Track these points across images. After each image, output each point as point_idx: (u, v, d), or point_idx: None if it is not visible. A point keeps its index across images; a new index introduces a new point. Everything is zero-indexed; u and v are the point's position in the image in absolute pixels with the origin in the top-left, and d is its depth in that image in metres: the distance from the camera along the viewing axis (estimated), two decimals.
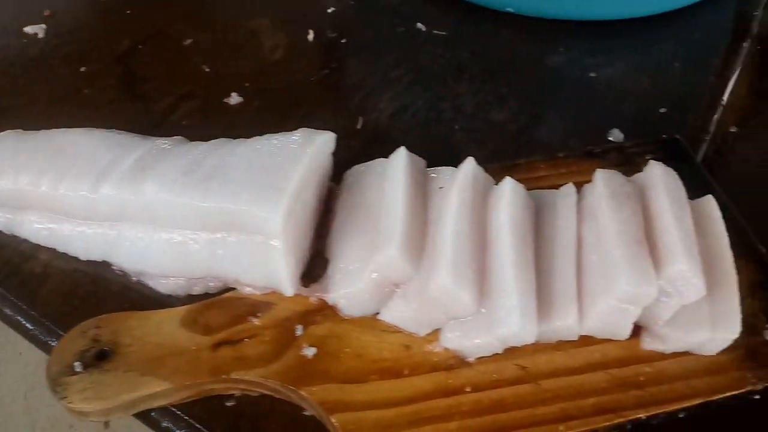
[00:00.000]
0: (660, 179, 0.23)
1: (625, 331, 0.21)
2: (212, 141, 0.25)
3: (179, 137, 0.26)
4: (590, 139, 0.29)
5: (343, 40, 0.34)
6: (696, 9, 0.36)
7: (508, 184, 0.23)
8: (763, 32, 0.36)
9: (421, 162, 0.25)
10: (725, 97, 0.32)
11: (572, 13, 0.35)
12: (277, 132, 0.27)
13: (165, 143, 0.25)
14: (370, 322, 0.23)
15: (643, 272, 0.20)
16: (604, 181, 0.23)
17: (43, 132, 0.27)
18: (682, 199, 0.23)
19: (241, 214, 0.21)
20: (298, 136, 0.24)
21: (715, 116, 0.31)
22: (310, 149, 0.23)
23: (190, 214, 0.22)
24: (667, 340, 0.22)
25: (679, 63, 0.34)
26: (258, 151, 0.23)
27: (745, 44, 0.35)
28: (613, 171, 0.24)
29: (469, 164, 0.23)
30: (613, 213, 0.21)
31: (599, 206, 0.22)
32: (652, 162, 0.24)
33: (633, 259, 0.20)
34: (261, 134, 0.28)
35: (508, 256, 0.21)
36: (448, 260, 0.21)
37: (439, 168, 0.24)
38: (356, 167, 0.25)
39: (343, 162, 0.27)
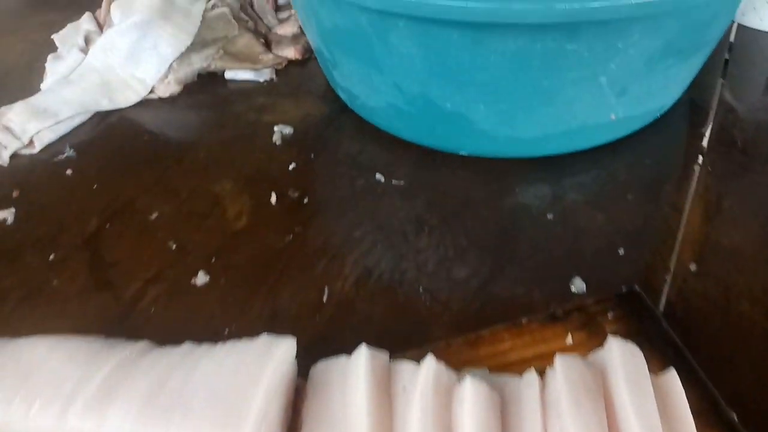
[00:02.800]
0: (619, 361, 0.22)
1: None
2: (177, 349, 0.25)
3: (145, 343, 0.26)
4: (553, 291, 0.29)
5: (305, 200, 0.34)
6: (647, 133, 0.37)
7: (469, 385, 0.22)
8: (713, 149, 0.36)
9: (384, 358, 0.24)
10: (680, 231, 0.32)
11: (524, 152, 0.35)
12: (244, 312, 0.28)
13: (131, 353, 0.25)
14: None
15: None
16: (563, 371, 0.22)
17: (10, 345, 0.26)
18: (644, 382, 0.22)
19: None
20: (259, 347, 0.23)
21: (673, 254, 0.30)
22: (270, 366, 0.22)
23: None
24: None
25: (632, 194, 0.34)
26: (219, 369, 0.23)
27: (697, 165, 0.35)
28: (572, 357, 0.23)
29: (430, 364, 0.23)
30: (573, 410, 0.21)
31: (560, 402, 0.21)
32: (610, 338, 0.24)
33: None
34: (227, 315, 0.28)
35: None
36: None
37: (401, 363, 0.24)
38: (320, 364, 0.25)
39: (311, 345, 0.27)
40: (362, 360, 0.23)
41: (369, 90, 0.35)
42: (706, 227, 0.32)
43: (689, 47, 0.31)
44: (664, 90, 0.34)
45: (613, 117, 0.33)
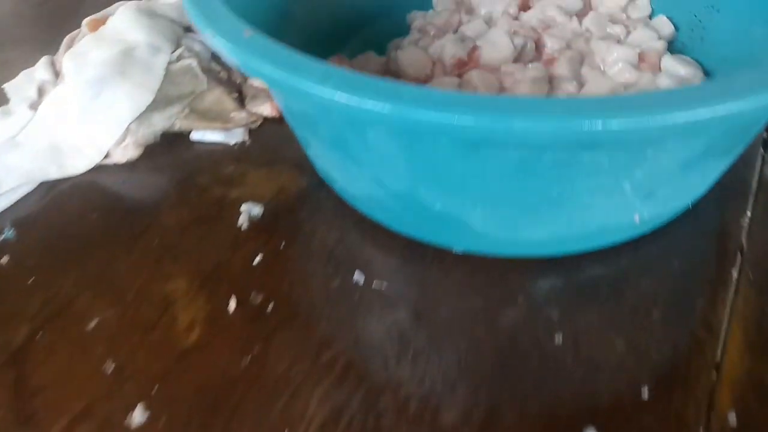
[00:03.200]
0: None
1: None
2: None
3: None
4: None
5: (269, 307, 0.29)
6: (674, 225, 0.31)
7: None
8: (753, 249, 0.30)
9: None
10: (715, 363, 0.26)
11: (530, 252, 0.30)
12: None
13: None
14: None
15: None
16: None
17: None
18: None
19: None
20: None
21: (707, 398, 0.25)
22: None
23: None
24: None
25: (658, 309, 0.28)
26: None
27: (735, 268, 0.29)
28: None
29: None
30: None
31: None
32: None
33: None
34: None
35: None
36: None
37: None
38: None
39: None
40: None
41: (347, 178, 0.29)
42: (747, 357, 0.26)
43: (731, 146, 0.25)
44: (697, 187, 0.28)
45: (636, 219, 0.27)
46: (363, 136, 0.24)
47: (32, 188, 0.36)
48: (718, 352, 0.26)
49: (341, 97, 0.20)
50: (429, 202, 0.27)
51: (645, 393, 0.25)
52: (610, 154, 0.22)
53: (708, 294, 0.29)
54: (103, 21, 0.40)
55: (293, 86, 0.21)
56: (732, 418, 0.24)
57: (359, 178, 0.28)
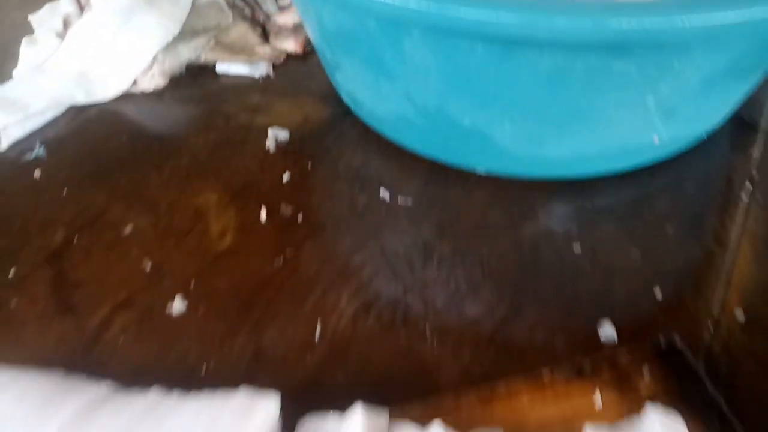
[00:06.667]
0: None
1: None
2: (143, 399, 0.23)
3: (107, 385, 0.24)
4: (579, 338, 0.27)
5: (299, 218, 0.32)
6: (689, 154, 0.34)
7: None
8: (763, 175, 0.33)
9: (382, 420, 0.22)
10: (725, 270, 0.29)
11: (551, 172, 0.33)
12: (224, 348, 0.26)
13: (91, 399, 0.23)
14: None
15: None
16: None
17: None
18: None
19: None
20: (236, 407, 0.21)
21: (717, 299, 0.28)
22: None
23: None
24: None
25: (672, 225, 0.31)
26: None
27: (744, 192, 0.33)
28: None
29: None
30: None
31: None
32: (649, 409, 0.21)
33: None
34: (205, 351, 0.27)
35: None
36: None
37: (403, 427, 0.22)
38: (308, 422, 0.23)
39: (299, 391, 0.25)
40: (358, 422, 0.21)
41: (375, 97, 0.32)
42: (755, 267, 0.29)
43: (753, 65, 0.28)
44: (716, 111, 0.32)
45: (656, 139, 0.30)
46: (399, 46, 0.27)
47: (60, 112, 0.39)
48: (728, 262, 0.30)
49: None
50: (458, 117, 0.30)
51: (658, 293, 0.28)
52: (639, 63, 0.25)
53: (719, 213, 0.32)
54: None
55: None
56: (740, 314, 0.27)
57: (389, 96, 0.31)
